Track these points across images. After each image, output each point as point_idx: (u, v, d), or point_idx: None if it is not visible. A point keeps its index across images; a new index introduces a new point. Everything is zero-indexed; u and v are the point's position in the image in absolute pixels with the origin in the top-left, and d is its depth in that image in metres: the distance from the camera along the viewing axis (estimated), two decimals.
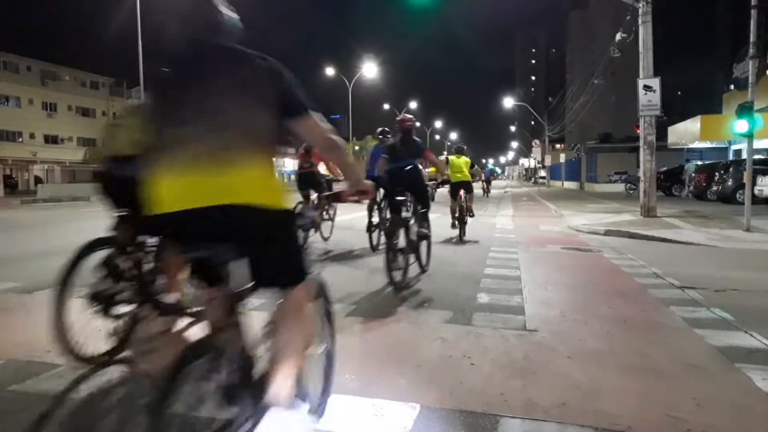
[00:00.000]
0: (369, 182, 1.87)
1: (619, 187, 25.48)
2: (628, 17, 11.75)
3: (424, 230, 4.93)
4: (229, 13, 1.61)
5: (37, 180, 35.78)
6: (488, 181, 26.35)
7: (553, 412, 2.11)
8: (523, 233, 8.70)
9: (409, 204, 4.73)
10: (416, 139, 5.02)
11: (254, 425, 1.54)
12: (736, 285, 4.51)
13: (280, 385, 1.51)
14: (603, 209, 13.51)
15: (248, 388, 1.50)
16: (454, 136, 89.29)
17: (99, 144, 3.98)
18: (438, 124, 77.57)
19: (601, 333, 3.19)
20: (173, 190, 1.40)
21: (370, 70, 36.88)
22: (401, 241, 4.41)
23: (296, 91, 1.57)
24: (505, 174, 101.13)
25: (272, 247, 1.51)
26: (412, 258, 4.67)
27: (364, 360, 2.73)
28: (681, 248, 7.01)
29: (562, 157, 47.40)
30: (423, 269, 4.97)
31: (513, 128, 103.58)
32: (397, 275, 4.26)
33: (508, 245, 7.08)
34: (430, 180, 6.75)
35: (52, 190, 24.78)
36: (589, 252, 6.68)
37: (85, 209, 15.77)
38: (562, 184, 41.92)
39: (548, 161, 41.39)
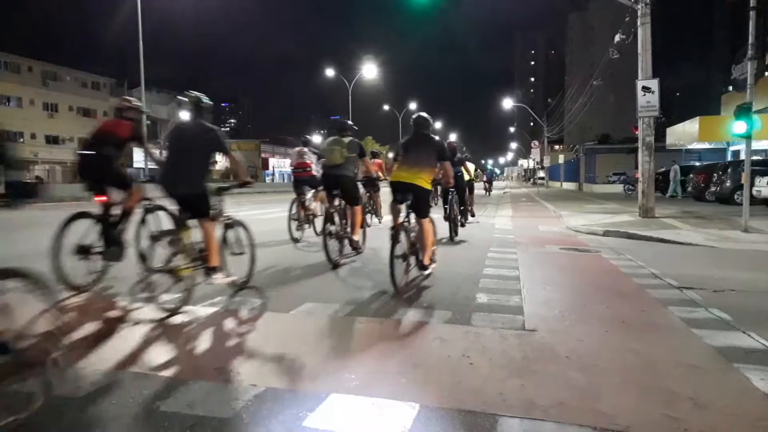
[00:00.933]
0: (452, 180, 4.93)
1: (618, 188, 25.50)
2: (627, 19, 11.78)
3: (462, 205, 8.75)
4: (431, 122, 4.85)
5: (38, 180, 35.73)
6: (490, 182, 29.87)
7: (551, 411, 2.12)
8: (522, 234, 8.71)
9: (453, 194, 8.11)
10: (459, 155, 8.83)
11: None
12: (734, 285, 4.53)
13: (426, 255, 4.47)
14: (601, 210, 13.53)
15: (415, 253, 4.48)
16: (453, 136, 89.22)
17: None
18: (438, 124, 77.48)
19: (599, 333, 3.20)
20: (401, 174, 4.44)
21: (369, 71, 36.90)
22: (454, 212, 8.06)
23: (446, 152, 4.65)
24: (504, 175, 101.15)
25: (422, 201, 4.43)
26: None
27: (364, 359, 2.74)
28: (679, 249, 7.03)
29: (561, 158, 47.43)
30: (461, 224, 8.60)
31: (512, 129, 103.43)
32: (454, 232, 7.98)
33: (507, 245, 7.10)
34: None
35: (53, 190, 24.73)
36: (588, 252, 6.69)
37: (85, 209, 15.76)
38: (561, 185, 41.94)
39: (547, 162, 41.36)
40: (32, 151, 38.77)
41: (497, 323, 3.36)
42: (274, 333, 3.26)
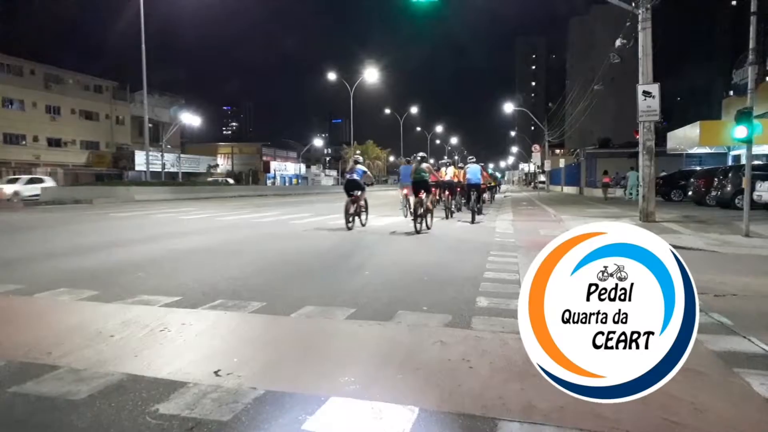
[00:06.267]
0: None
1: (618, 192, 25.61)
2: (627, 24, 11.81)
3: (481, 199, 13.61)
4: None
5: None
6: (498, 184, 35.37)
7: (551, 415, 2.11)
8: (523, 237, 8.70)
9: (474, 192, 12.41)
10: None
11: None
12: (734, 290, 4.52)
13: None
14: (602, 214, 13.53)
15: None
16: (454, 140, 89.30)
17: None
18: (439, 128, 77.67)
19: None
20: None
21: (371, 75, 37.03)
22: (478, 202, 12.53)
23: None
24: (505, 178, 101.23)
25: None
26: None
27: (364, 362, 2.74)
28: (680, 253, 6.98)
29: (562, 162, 47.36)
30: (482, 210, 13.44)
31: (513, 133, 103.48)
32: (476, 215, 12.02)
33: (508, 249, 7.09)
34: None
35: (55, 192, 24.78)
36: None
37: (87, 212, 15.79)
38: (562, 189, 41.94)
39: (548, 166, 41.45)
40: (34, 153, 38.90)
41: (497, 327, 3.35)
42: (274, 336, 3.26)
